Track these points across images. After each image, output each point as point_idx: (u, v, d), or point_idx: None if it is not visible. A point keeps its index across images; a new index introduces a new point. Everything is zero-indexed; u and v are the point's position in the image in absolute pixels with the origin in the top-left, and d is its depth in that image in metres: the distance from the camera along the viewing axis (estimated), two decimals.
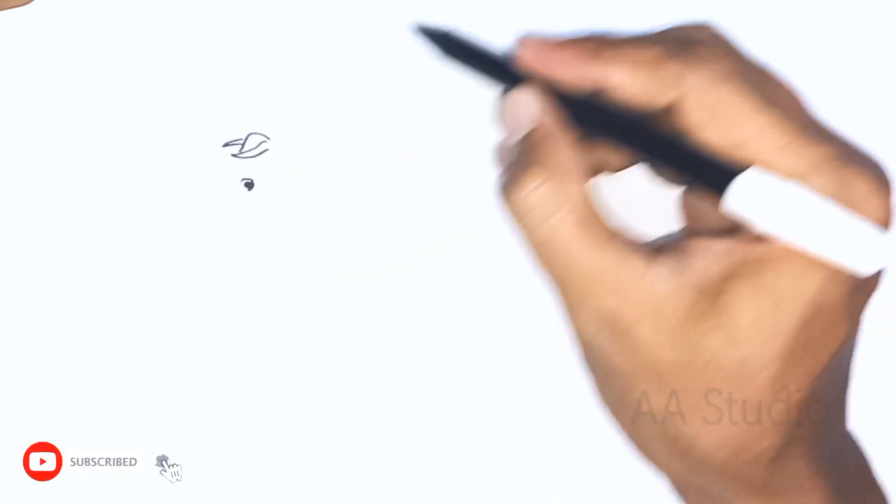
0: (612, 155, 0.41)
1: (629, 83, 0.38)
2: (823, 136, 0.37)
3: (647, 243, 0.38)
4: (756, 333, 0.36)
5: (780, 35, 0.51)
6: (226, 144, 0.50)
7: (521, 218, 0.38)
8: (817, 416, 0.38)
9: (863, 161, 0.37)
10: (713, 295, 0.36)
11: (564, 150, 0.38)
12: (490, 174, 0.49)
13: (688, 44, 0.38)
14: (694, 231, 0.40)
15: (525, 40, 0.40)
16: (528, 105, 0.39)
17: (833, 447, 0.40)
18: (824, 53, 0.51)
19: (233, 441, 0.49)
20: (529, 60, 0.40)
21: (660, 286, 0.36)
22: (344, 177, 0.50)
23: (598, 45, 0.39)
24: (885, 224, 0.36)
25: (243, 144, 0.50)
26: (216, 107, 0.50)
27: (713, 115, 0.37)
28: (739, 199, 0.35)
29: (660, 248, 0.37)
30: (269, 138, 0.50)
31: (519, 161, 0.38)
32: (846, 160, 0.36)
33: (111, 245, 0.50)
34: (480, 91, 0.50)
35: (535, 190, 0.37)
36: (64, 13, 0.50)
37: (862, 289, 0.36)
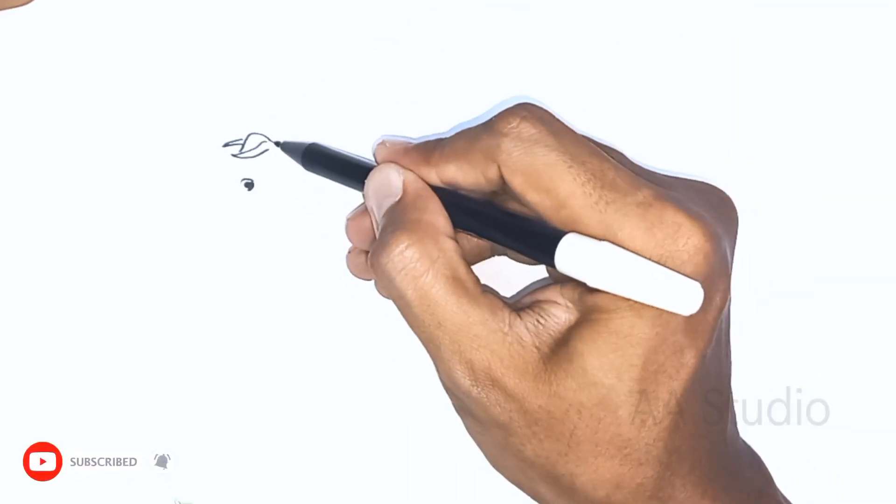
0: (474, 244, 0.45)
1: (459, 174, 0.41)
2: (634, 184, 0.38)
3: (514, 299, 0.41)
4: (605, 374, 0.38)
5: (781, 35, 0.51)
6: (226, 144, 0.50)
7: (391, 279, 0.39)
8: (693, 437, 0.39)
9: (683, 194, 0.39)
10: (563, 345, 0.38)
11: (432, 213, 0.41)
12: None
13: (495, 122, 0.40)
14: (553, 278, 0.43)
15: (381, 143, 0.43)
16: (394, 176, 0.42)
17: (726, 467, 0.41)
18: (825, 53, 0.52)
19: (233, 441, 0.49)
20: (386, 161, 0.43)
21: (522, 340, 0.38)
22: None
23: (430, 150, 0.42)
24: (699, 246, 0.37)
25: (243, 144, 0.50)
26: (216, 107, 0.50)
27: (530, 178, 0.39)
28: (565, 262, 0.37)
29: (524, 305, 0.40)
30: (269, 138, 0.50)
31: (388, 226, 0.40)
32: (654, 200, 0.37)
33: (111, 245, 0.50)
34: (480, 91, 0.50)
35: (405, 251, 0.39)
36: (64, 13, 0.50)
37: (703, 310, 0.37)
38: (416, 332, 0.40)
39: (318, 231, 0.50)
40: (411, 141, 0.43)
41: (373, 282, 0.43)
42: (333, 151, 0.48)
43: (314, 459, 0.49)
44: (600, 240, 0.37)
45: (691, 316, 0.37)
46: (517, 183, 0.39)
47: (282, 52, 0.50)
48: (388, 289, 0.40)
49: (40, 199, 0.50)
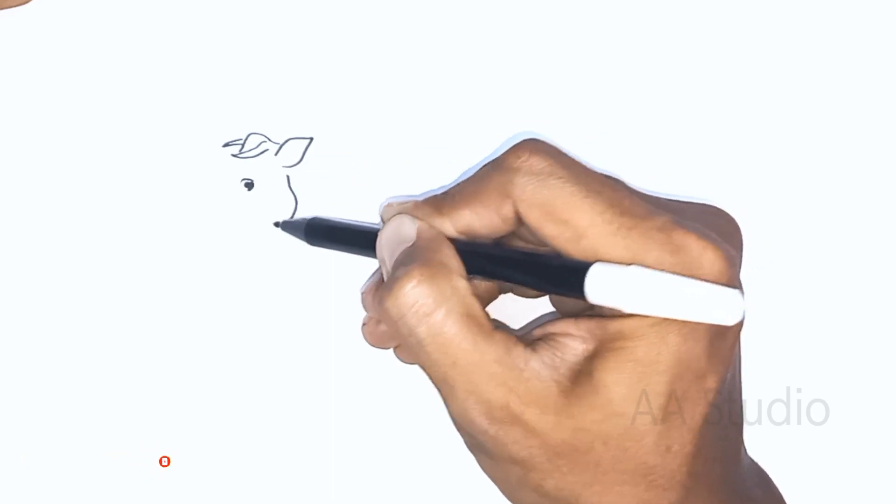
0: (485, 287, 0.44)
1: (474, 218, 0.40)
2: (651, 210, 0.38)
3: (523, 334, 0.40)
4: (630, 404, 0.37)
5: (782, 34, 0.51)
6: (226, 144, 0.50)
7: (402, 316, 0.38)
8: (711, 461, 0.39)
9: (694, 219, 0.39)
10: (585, 375, 0.38)
11: (444, 252, 0.40)
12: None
13: (504, 159, 0.40)
14: (563, 312, 0.42)
15: (388, 206, 0.43)
16: (407, 224, 0.41)
17: (737, 491, 0.42)
18: (825, 53, 0.52)
19: (233, 441, 0.49)
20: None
21: (540, 375, 0.38)
22: (344, 176, 0.50)
23: (439, 201, 0.41)
24: (722, 271, 0.37)
25: (243, 144, 0.50)
26: (216, 107, 0.50)
27: (547, 211, 0.38)
28: (596, 292, 0.37)
29: (535, 338, 0.39)
30: (268, 138, 0.50)
31: (398, 267, 0.40)
32: (674, 226, 0.37)
33: (111, 245, 0.50)
34: (479, 92, 0.50)
35: (416, 288, 0.38)
36: (63, 13, 0.50)
37: (723, 334, 0.38)
38: (427, 373, 0.39)
39: None
40: (416, 198, 0.42)
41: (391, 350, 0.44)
42: (337, 223, 0.47)
43: (315, 460, 0.49)
44: (627, 264, 0.37)
45: (712, 342, 0.37)
46: (534, 217, 0.38)
47: (282, 52, 0.50)
48: (398, 328, 0.39)
49: (40, 199, 0.50)
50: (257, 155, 0.50)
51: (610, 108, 0.51)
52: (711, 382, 0.38)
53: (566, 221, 0.38)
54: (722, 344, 0.38)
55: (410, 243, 0.41)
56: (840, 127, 0.51)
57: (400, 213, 0.42)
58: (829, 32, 0.51)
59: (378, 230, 0.43)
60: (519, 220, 0.39)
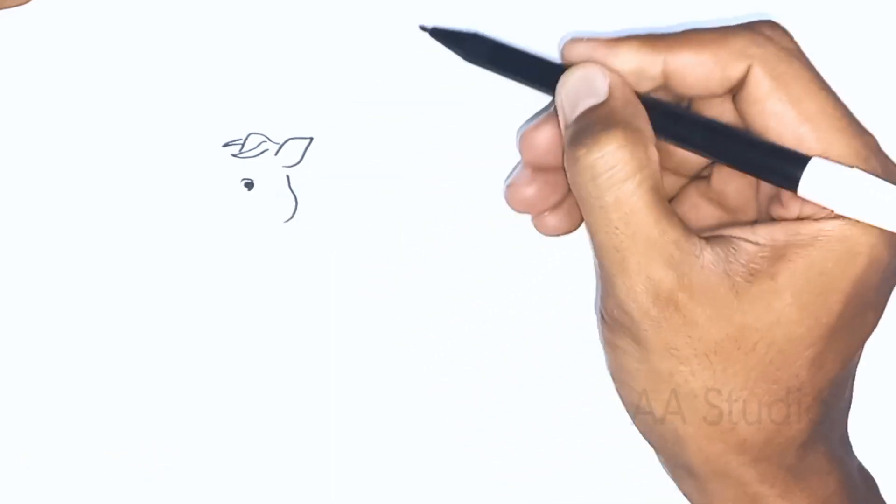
0: (682, 158, 0.42)
1: (693, 64, 0.38)
2: (863, 129, 0.38)
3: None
4: (805, 314, 0.37)
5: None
6: (226, 144, 0.50)
7: (592, 178, 0.37)
8: (836, 405, 0.39)
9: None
10: (765, 277, 0.37)
11: (642, 118, 0.38)
12: (491, 176, 0.49)
13: (753, 25, 0.39)
14: (727, 223, 0.41)
15: (573, 41, 0.40)
16: (599, 77, 0.39)
17: (840, 441, 0.41)
18: (826, 52, 0.52)
19: (233, 441, 0.49)
20: (580, 58, 0.39)
21: (715, 267, 0.37)
22: (344, 176, 0.50)
23: (654, 38, 0.39)
24: None
25: (243, 144, 0.50)
26: (216, 107, 0.50)
27: (781, 85, 0.38)
28: (812, 186, 0.37)
29: (707, 237, 0.38)
30: (268, 138, 0.50)
31: (596, 123, 0.38)
32: (882, 151, 0.38)
33: (111, 245, 0.50)
34: (479, 92, 0.50)
35: (615, 152, 0.37)
36: (63, 13, 0.50)
37: (891, 279, 0.38)
38: (599, 239, 0.38)
39: (318, 231, 0.49)
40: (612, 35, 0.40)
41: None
42: (505, 44, 0.42)
43: (315, 460, 0.49)
44: (850, 166, 0.37)
45: (885, 279, 0.37)
46: (767, 86, 0.38)
47: (282, 52, 0.50)
48: (585, 187, 0.37)
49: (40, 199, 0.50)
50: (257, 155, 0.50)
51: None
52: (871, 317, 0.38)
53: (799, 101, 0.37)
54: (889, 284, 0.38)
55: (601, 99, 0.39)
56: None
57: (590, 63, 0.39)
58: (829, 32, 0.52)
59: (557, 65, 0.40)
60: (738, 86, 0.38)
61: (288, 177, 0.50)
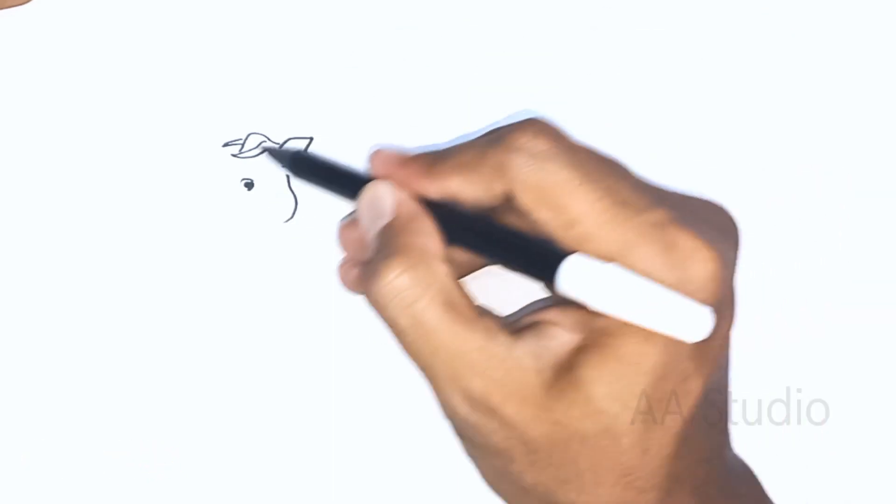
0: (467, 257, 0.42)
1: (463, 187, 0.39)
2: (649, 203, 0.37)
3: (512, 319, 0.39)
4: (611, 402, 0.37)
5: (784, 33, 0.52)
6: (226, 144, 0.50)
7: (384, 307, 0.38)
8: (695, 463, 0.39)
9: (694, 214, 0.38)
10: (567, 370, 0.37)
11: (425, 235, 0.39)
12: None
13: (505, 136, 0.38)
14: (555, 299, 0.41)
15: (376, 153, 0.41)
16: (386, 195, 0.40)
17: (723, 488, 0.41)
18: (825, 53, 0.52)
19: (233, 441, 0.49)
20: (380, 173, 0.41)
21: (522, 365, 0.37)
22: None
23: (432, 161, 0.40)
24: (714, 272, 0.36)
25: (243, 144, 0.50)
26: (216, 107, 0.50)
27: (541, 195, 0.38)
28: (568, 283, 0.36)
29: (523, 325, 0.38)
30: (268, 138, 0.50)
31: (380, 251, 0.39)
32: (671, 222, 0.37)
33: (110, 245, 0.50)
34: (479, 92, 0.50)
35: (398, 278, 0.38)
36: (63, 13, 0.50)
37: (711, 338, 0.37)
38: (412, 360, 0.39)
39: (317, 231, 0.49)
40: (408, 151, 0.41)
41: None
42: (323, 160, 0.45)
43: (315, 461, 0.49)
44: (609, 261, 0.36)
45: (698, 346, 0.36)
46: (527, 200, 0.38)
47: (281, 52, 0.50)
48: (381, 316, 0.39)
49: (40, 199, 0.50)
50: (257, 155, 0.50)
51: (611, 105, 0.51)
52: (695, 385, 0.37)
53: (559, 207, 0.37)
54: (709, 347, 0.37)
55: (387, 218, 0.40)
56: (840, 126, 0.51)
57: (380, 181, 0.41)
58: (828, 33, 0.52)
59: (364, 178, 0.41)
60: (508, 199, 0.39)
61: (288, 177, 0.50)
